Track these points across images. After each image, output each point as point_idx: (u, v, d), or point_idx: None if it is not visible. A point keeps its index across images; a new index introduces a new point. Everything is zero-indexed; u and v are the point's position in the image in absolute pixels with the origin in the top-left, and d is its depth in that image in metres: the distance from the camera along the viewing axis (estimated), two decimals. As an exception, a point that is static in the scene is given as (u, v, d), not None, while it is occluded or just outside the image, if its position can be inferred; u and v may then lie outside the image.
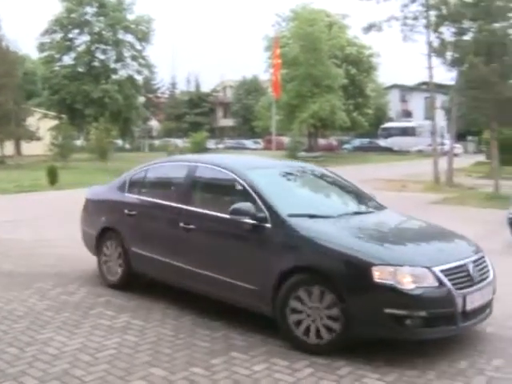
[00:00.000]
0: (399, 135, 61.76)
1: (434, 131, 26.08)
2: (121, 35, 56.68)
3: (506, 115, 20.29)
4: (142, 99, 62.53)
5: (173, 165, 7.93)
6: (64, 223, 12.54)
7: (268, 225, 5.93)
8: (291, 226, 5.83)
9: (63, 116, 51.63)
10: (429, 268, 5.30)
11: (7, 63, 41.79)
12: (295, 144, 47.21)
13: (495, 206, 16.37)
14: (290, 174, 7.31)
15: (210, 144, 70.15)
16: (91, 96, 53.02)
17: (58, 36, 56.04)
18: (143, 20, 57.09)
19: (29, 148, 43.80)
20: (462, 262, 5.60)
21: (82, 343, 5.69)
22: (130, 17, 57.02)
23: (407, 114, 72.74)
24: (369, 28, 24.56)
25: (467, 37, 21.59)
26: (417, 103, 70.61)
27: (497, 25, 20.50)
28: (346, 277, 5.38)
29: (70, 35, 56.54)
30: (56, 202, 17.79)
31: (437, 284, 5.24)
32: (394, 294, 5.16)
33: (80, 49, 56.59)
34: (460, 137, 45.00)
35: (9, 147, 43.34)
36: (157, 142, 72.45)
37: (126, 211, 7.65)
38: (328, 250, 5.52)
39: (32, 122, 43.28)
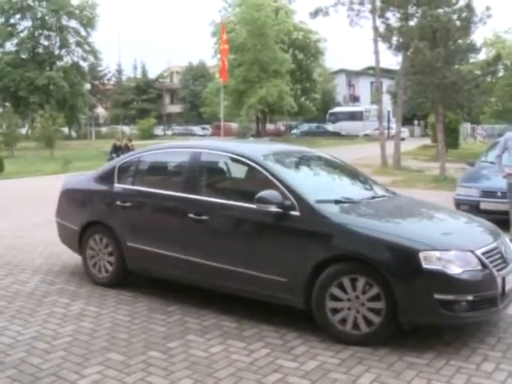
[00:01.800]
0: (347, 120, 62.40)
1: (380, 115, 26.52)
2: (65, 21, 55.89)
3: (450, 99, 20.78)
4: (87, 86, 61.71)
5: (173, 152, 7.48)
6: (12, 213, 12.34)
7: (296, 213, 5.63)
8: (322, 213, 5.55)
9: (7, 104, 50.60)
10: (472, 251, 5.24)
11: None
12: (243, 129, 47.36)
13: (442, 187, 16.97)
14: (298, 158, 7.04)
15: (158, 130, 69.79)
16: (36, 83, 52.16)
17: (-1, 22, 54.78)
18: (87, 5, 56.39)
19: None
20: (495, 244, 5.57)
21: (38, 331, 5.67)
22: (74, 2, 56.13)
23: (354, 99, 73.60)
24: (315, 13, 24.74)
25: (412, 22, 21.98)
26: (364, 88, 71.50)
27: (440, 10, 20.90)
28: (392, 264, 5.19)
29: (12, 20, 55.40)
30: (2, 192, 17.47)
31: (480, 267, 5.18)
32: (442, 279, 5.06)
33: (22, 35, 55.49)
34: (406, 121, 45.78)
35: None
36: (104, 130, 71.70)
37: (117, 203, 7.03)
38: (368, 237, 5.32)
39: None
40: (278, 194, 5.70)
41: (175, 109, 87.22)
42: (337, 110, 66.80)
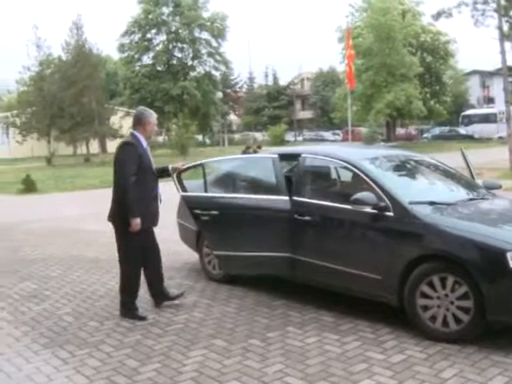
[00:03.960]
0: (480, 122, 60.31)
1: (508, 118, 25.72)
2: (197, 33, 58.10)
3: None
4: (220, 94, 63.78)
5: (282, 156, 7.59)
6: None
7: (390, 213, 5.90)
8: (414, 214, 5.79)
9: (144, 114, 53.23)
10: None
11: (90, 66, 43.64)
12: (372, 134, 47.13)
13: None
14: (398, 161, 7.30)
15: (289, 136, 70.66)
16: (170, 93, 54.66)
17: (137, 37, 58.11)
18: (218, 17, 58.40)
19: (113, 146, 45.45)
20: None
21: (154, 319, 6.40)
22: (205, 14, 58.33)
23: (489, 100, 71.00)
24: (438, 15, 24.44)
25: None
26: (499, 89, 68.84)
27: None
28: (480, 264, 5.32)
29: (148, 35, 58.58)
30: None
31: None
32: None
33: (158, 48, 58.38)
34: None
35: (94, 146, 45.25)
36: (237, 136, 73.53)
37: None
38: (457, 237, 5.50)
39: (115, 120, 44.95)
40: (373, 195, 6.02)
41: (306, 115, 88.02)
42: (470, 112, 64.74)
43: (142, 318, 6.35)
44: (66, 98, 43.08)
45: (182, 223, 8.72)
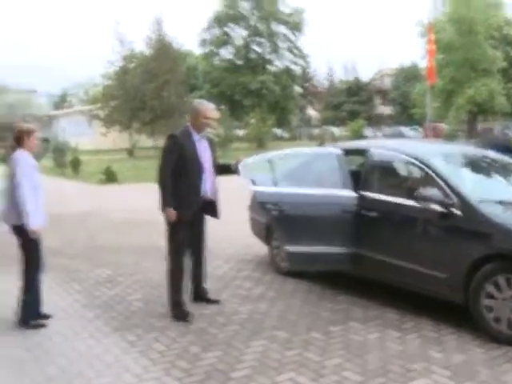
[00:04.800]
0: None
1: None
2: (275, 27, 58.22)
3: None
4: (298, 89, 63.78)
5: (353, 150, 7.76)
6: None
7: (457, 211, 5.84)
8: (483, 213, 5.70)
9: (223, 107, 53.91)
10: None
11: (170, 60, 44.49)
12: (452, 131, 46.13)
13: None
14: (468, 158, 7.27)
15: (368, 132, 70.03)
16: (249, 87, 55.07)
17: (217, 31, 58.57)
18: (296, 11, 58.32)
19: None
20: None
21: (220, 308, 6.57)
22: (284, 9, 58.42)
23: None
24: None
25: None
26: None
27: None
28: None
29: (228, 30, 58.93)
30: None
31: None
32: None
33: (237, 42, 58.79)
34: None
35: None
36: (315, 131, 73.40)
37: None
38: None
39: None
40: (440, 192, 6.00)
41: (386, 110, 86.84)
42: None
43: (186, 316, 6.23)
44: (147, 92, 44.05)
45: (253, 216, 8.91)
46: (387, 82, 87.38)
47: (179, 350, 5.39)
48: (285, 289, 7.34)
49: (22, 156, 6.04)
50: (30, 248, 6.05)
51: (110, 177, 23.85)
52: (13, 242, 6.26)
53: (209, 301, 6.75)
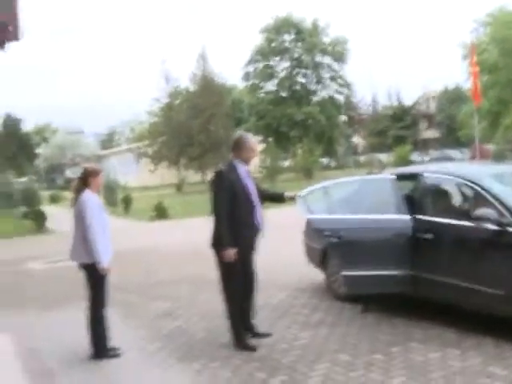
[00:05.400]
0: None
1: None
2: (318, 58, 58.73)
3: None
4: (343, 118, 63.93)
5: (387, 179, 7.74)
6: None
7: None
8: None
9: (270, 139, 54.39)
10: None
11: (216, 94, 45.23)
12: (500, 151, 45.52)
13: None
14: None
15: (414, 156, 69.51)
16: (295, 119, 55.44)
17: (261, 65, 59.53)
18: (339, 41, 58.83)
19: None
20: None
21: (281, 335, 6.71)
22: (326, 39, 58.95)
23: None
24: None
25: None
26: None
27: None
28: None
29: (272, 63, 59.70)
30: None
31: None
32: None
33: (281, 75, 59.47)
34: None
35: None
36: (362, 158, 73.17)
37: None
38: None
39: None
40: (494, 212, 6.09)
41: (432, 134, 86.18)
42: None
43: (253, 349, 6.28)
44: (194, 127, 44.80)
45: (308, 243, 9.06)
46: (432, 106, 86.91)
47: (246, 377, 5.56)
48: (343, 314, 7.44)
49: (90, 197, 6.33)
50: (99, 284, 6.31)
51: (160, 213, 24.24)
52: (78, 278, 6.53)
53: (259, 335, 6.65)
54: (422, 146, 78.98)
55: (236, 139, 6.66)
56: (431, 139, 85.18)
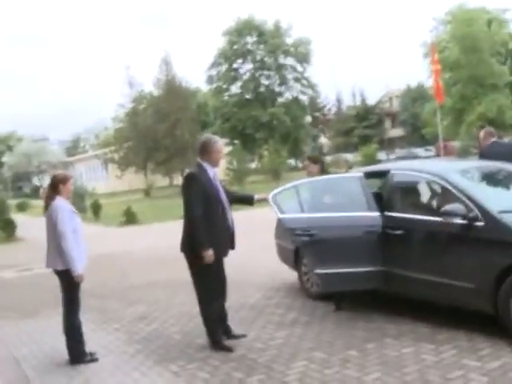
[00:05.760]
0: None
1: None
2: (282, 59, 59.02)
3: None
4: (308, 118, 64.29)
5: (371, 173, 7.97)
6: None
7: (480, 223, 6.01)
8: (504, 223, 5.87)
9: (236, 142, 54.41)
10: None
11: (181, 99, 45.17)
12: (465, 148, 46.18)
13: None
14: (487, 172, 7.50)
15: (381, 156, 70.05)
16: (260, 120, 55.63)
17: (224, 67, 59.60)
18: (301, 42, 59.12)
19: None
20: None
21: (257, 335, 6.76)
22: (289, 41, 59.23)
23: None
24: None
25: None
26: None
27: None
28: None
29: (235, 65, 59.92)
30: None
31: None
32: None
33: (245, 77, 59.66)
34: None
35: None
36: (329, 158, 73.46)
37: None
38: None
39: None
40: (462, 206, 6.19)
41: (397, 132, 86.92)
42: None
43: (229, 349, 6.33)
44: (159, 131, 44.67)
45: (280, 243, 9.11)
46: (395, 104, 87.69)
47: (223, 377, 5.59)
48: (317, 312, 7.51)
49: (61, 203, 6.31)
50: (73, 290, 6.30)
51: (130, 218, 24.16)
52: (51, 285, 6.51)
53: (234, 337, 6.66)
54: (388, 144, 79.64)
55: (203, 142, 6.60)
56: (396, 138, 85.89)
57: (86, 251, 6.42)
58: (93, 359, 6.38)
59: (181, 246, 6.44)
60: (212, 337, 6.46)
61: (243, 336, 6.72)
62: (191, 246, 6.27)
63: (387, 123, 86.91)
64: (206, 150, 6.47)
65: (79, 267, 6.19)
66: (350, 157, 62.65)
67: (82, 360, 6.33)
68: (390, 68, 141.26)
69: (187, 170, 6.74)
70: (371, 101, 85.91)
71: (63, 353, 6.52)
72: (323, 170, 8.50)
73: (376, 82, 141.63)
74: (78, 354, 6.34)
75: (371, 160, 57.67)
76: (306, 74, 60.52)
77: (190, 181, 6.38)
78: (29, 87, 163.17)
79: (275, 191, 7.56)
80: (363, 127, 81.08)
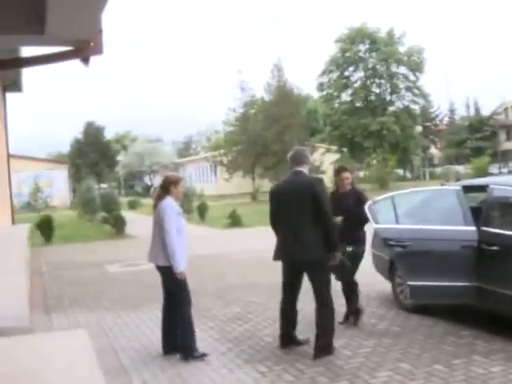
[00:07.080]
0: None
1: None
2: (394, 68, 58.35)
3: None
4: (419, 128, 63.18)
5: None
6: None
7: None
8: None
9: (344, 149, 54.23)
10: None
11: (291, 104, 45.47)
12: None
13: None
14: None
15: (494, 169, 67.87)
16: (369, 129, 55.15)
17: (335, 75, 59.53)
18: (414, 51, 58.19)
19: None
20: None
21: (346, 343, 6.91)
22: (402, 49, 58.47)
23: None
24: None
25: None
26: None
27: None
28: None
29: (346, 73, 59.76)
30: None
31: None
32: None
33: (356, 85, 59.37)
34: None
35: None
36: (438, 170, 71.98)
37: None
38: None
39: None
40: None
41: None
42: None
43: (203, 355, 6.57)
44: (269, 136, 45.19)
45: (376, 253, 9.20)
46: (511, 116, 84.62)
47: (308, 381, 5.78)
48: (408, 324, 7.56)
49: (170, 204, 6.68)
50: (179, 286, 6.61)
51: (234, 221, 24.65)
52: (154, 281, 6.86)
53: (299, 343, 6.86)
54: (502, 157, 77.04)
55: (301, 151, 6.95)
56: (511, 151, 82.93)
57: (187, 251, 6.73)
58: (202, 357, 6.58)
59: (308, 251, 6.47)
60: (331, 337, 6.52)
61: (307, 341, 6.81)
62: (329, 247, 6.41)
63: (502, 135, 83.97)
64: (306, 159, 6.82)
65: (182, 264, 6.51)
66: (460, 169, 61.17)
67: (192, 355, 6.57)
68: (506, 78, 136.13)
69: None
70: (485, 112, 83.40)
71: (158, 345, 6.94)
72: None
73: (491, 92, 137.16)
74: (190, 349, 6.59)
75: (482, 173, 56.03)
76: (419, 83, 59.56)
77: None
78: (146, 90, 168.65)
79: (371, 201, 7.71)
80: (476, 139, 78.81)
